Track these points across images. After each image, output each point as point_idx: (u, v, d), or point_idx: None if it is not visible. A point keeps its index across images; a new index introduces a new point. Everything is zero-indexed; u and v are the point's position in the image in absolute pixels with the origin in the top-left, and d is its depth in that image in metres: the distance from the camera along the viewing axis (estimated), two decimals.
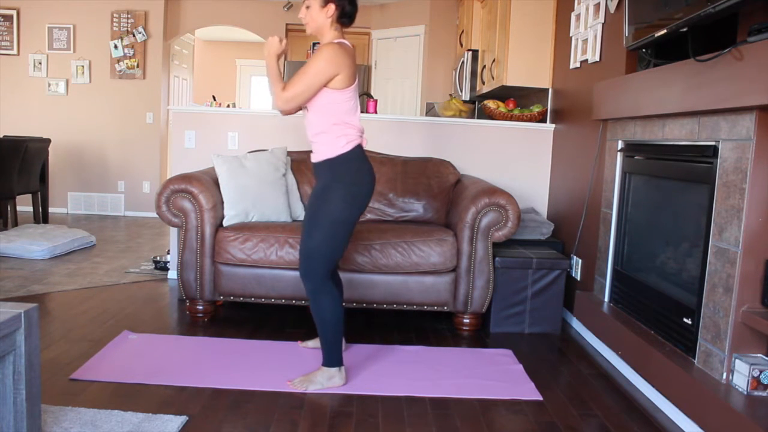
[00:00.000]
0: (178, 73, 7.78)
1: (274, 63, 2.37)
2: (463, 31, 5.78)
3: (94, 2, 6.87)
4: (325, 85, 2.29)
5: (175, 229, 3.80)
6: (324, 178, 2.38)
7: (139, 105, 6.97)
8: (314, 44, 7.67)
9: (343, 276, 3.02)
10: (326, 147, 2.36)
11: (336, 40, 2.35)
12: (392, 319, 3.36)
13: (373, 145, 3.97)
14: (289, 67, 7.40)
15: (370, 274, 3.04)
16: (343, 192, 2.34)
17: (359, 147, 2.40)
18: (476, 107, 5.12)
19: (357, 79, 2.38)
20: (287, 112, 2.38)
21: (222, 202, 3.18)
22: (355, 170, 2.37)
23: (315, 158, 2.42)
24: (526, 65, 4.00)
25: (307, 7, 2.37)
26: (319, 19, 2.35)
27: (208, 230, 3.07)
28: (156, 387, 2.33)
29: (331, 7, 2.33)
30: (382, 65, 7.24)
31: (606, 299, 2.94)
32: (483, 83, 4.79)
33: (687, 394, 2.06)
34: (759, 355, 1.97)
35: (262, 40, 7.73)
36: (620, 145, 2.88)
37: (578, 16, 3.48)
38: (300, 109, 2.39)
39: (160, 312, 3.31)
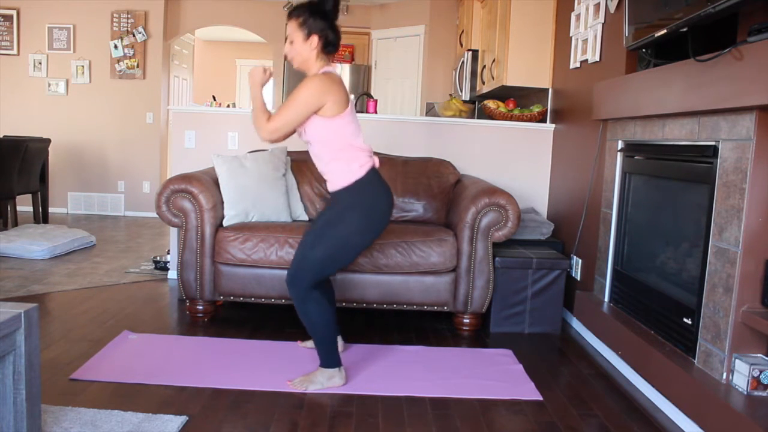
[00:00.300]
0: (178, 73, 7.79)
1: (259, 93, 2.38)
2: (463, 31, 5.78)
3: (94, 2, 6.87)
4: (315, 113, 2.29)
5: (175, 229, 3.80)
6: (342, 202, 2.37)
7: (139, 105, 6.97)
8: None
9: (343, 276, 3.02)
10: (340, 175, 2.36)
11: (322, 70, 2.35)
12: (392, 319, 3.36)
13: (373, 145, 3.96)
14: (289, 67, 7.40)
15: (370, 274, 3.04)
16: (360, 217, 2.34)
17: (373, 170, 2.39)
18: (476, 107, 5.12)
19: (351, 103, 2.37)
20: (272, 142, 2.38)
21: (222, 202, 3.18)
22: (374, 195, 2.37)
23: (331, 188, 2.42)
24: (526, 65, 4.00)
25: (291, 42, 2.36)
26: (304, 52, 2.35)
27: (208, 230, 3.07)
28: (156, 387, 2.33)
29: (315, 39, 2.33)
30: (382, 65, 7.24)
31: (606, 299, 2.94)
32: (483, 83, 4.79)
33: (687, 394, 2.06)
34: (759, 355, 1.97)
35: (262, 40, 7.74)
36: (620, 145, 2.88)
37: (578, 16, 3.49)
38: (285, 138, 2.38)
39: (160, 312, 3.31)
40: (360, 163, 2.36)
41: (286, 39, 2.39)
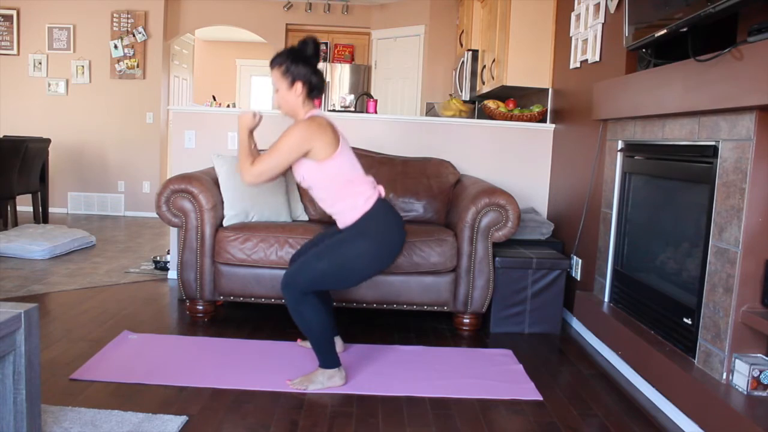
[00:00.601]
0: (178, 73, 7.79)
1: (246, 137, 2.38)
2: (463, 31, 5.78)
3: (94, 2, 6.87)
4: (304, 157, 2.31)
5: (175, 229, 3.80)
6: (357, 229, 2.37)
7: (139, 105, 6.97)
8: None
9: None
10: (349, 213, 2.37)
11: (308, 115, 2.37)
12: (392, 319, 3.36)
13: (373, 145, 3.97)
14: None
15: None
16: (371, 245, 2.34)
17: (380, 201, 2.40)
18: (476, 107, 5.12)
19: (342, 141, 2.37)
20: (256, 185, 2.39)
21: (222, 202, 3.18)
22: (387, 226, 2.38)
23: (342, 225, 2.44)
24: (526, 65, 4.00)
25: (277, 91, 2.39)
26: (291, 99, 2.38)
27: (208, 230, 3.07)
28: (156, 387, 2.33)
29: (299, 85, 2.35)
30: (382, 65, 7.25)
31: (606, 299, 2.94)
32: (483, 83, 4.80)
33: (687, 394, 2.06)
34: (759, 355, 1.97)
35: (262, 40, 7.74)
36: (620, 145, 2.88)
37: (578, 16, 3.49)
38: (269, 182, 2.40)
39: (160, 312, 3.31)
40: (365, 197, 2.37)
41: (273, 87, 2.41)
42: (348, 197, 2.36)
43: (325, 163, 2.32)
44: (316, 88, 2.39)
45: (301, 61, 2.35)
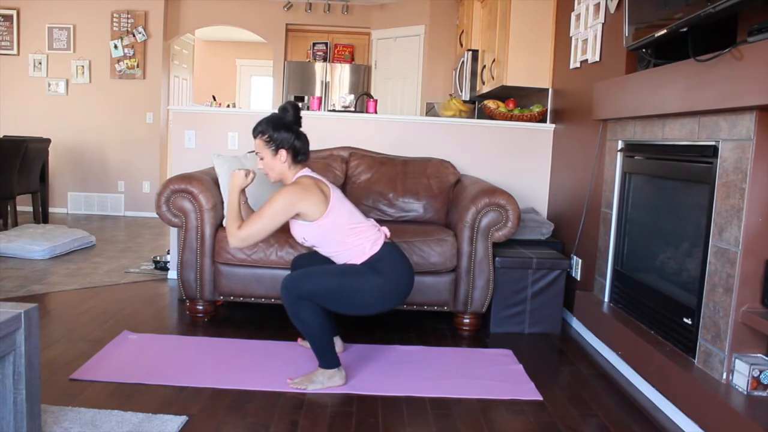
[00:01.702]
0: (178, 73, 7.79)
1: (236, 198, 2.39)
2: (463, 31, 5.78)
3: (94, 2, 6.87)
4: (296, 219, 2.34)
5: (175, 229, 3.80)
6: (370, 266, 2.37)
7: (139, 105, 6.97)
8: (314, 44, 7.68)
9: None
10: (358, 258, 2.37)
11: (296, 176, 2.39)
12: (392, 319, 3.36)
13: (373, 145, 3.97)
14: (288, 67, 7.40)
15: None
16: (383, 284, 2.34)
17: (387, 245, 2.40)
18: (476, 107, 5.12)
19: (333, 194, 2.38)
20: (242, 249, 2.39)
21: (222, 202, 3.18)
22: (400, 267, 2.38)
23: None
24: (526, 65, 4.00)
25: (261, 159, 2.40)
26: (277, 166, 2.39)
27: (208, 230, 3.07)
28: (156, 387, 2.33)
29: (282, 152, 2.37)
30: (382, 65, 7.25)
31: (606, 299, 2.94)
32: (483, 83, 4.80)
33: (687, 394, 2.06)
34: (759, 355, 1.97)
35: (262, 40, 7.74)
36: (620, 145, 2.88)
37: (578, 16, 3.49)
38: (256, 244, 2.39)
39: (160, 312, 3.31)
40: (372, 240, 2.38)
41: (256, 153, 2.41)
42: (354, 245, 2.37)
43: (319, 222, 2.34)
44: (301, 152, 2.40)
45: (282, 128, 2.36)
